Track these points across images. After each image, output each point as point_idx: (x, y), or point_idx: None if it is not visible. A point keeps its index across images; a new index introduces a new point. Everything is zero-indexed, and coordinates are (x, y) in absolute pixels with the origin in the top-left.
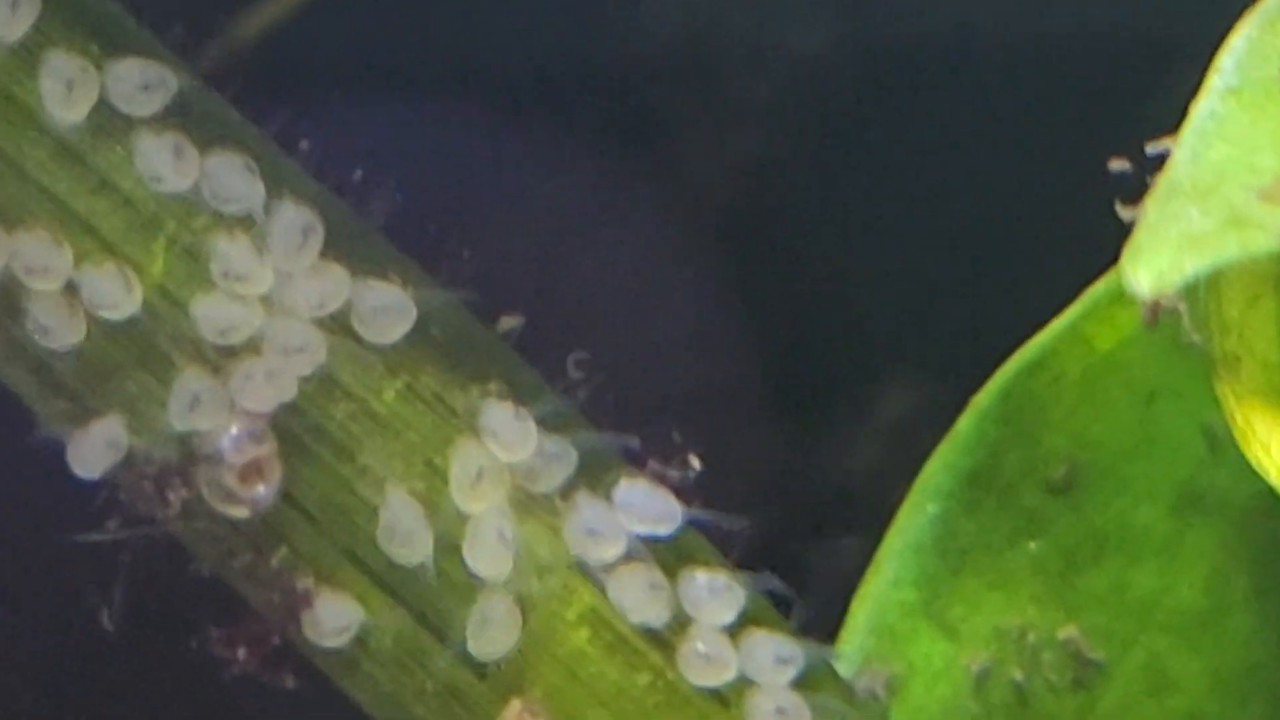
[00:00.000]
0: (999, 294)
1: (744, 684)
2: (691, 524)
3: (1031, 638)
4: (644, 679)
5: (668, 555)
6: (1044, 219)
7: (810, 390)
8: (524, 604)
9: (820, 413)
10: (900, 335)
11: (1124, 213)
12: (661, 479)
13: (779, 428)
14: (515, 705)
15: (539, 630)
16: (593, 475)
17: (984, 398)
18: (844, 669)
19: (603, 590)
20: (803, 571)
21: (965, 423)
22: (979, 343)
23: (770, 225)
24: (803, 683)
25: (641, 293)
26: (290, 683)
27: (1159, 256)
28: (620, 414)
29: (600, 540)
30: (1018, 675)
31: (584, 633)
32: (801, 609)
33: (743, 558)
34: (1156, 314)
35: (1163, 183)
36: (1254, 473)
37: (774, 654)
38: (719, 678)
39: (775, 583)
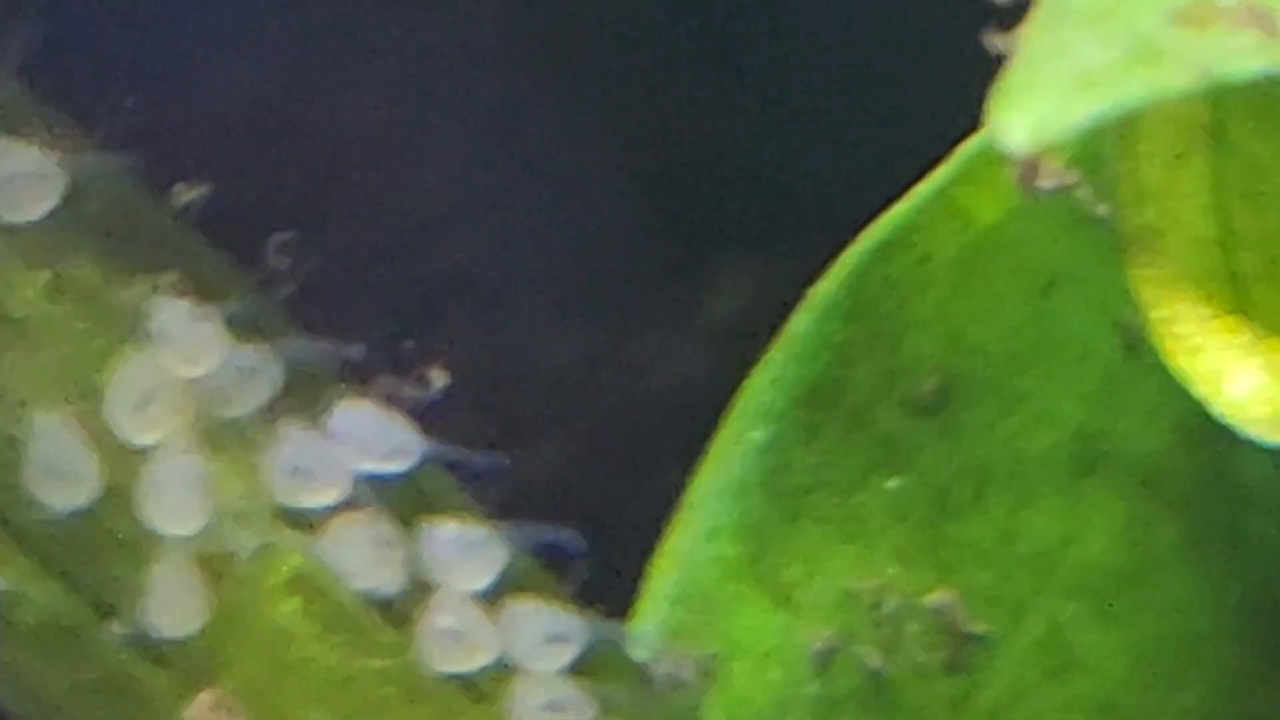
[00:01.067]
0: (851, 153)
1: (505, 670)
2: (434, 460)
3: (891, 605)
4: (372, 664)
5: (402, 501)
6: (909, 57)
7: (615, 277)
8: (214, 567)
9: (626, 308)
10: (728, 205)
11: (996, 43)
12: (394, 401)
13: (568, 328)
14: (203, 701)
15: (234, 601)
16: (302, 396)
17: (827, 288)
18: (641, 650)
19: (317, 547)
20: (591, 522)
21: (802, 321)
22: (825, 217)
23: (554, 53)
24: (584, 668)
25: (378, 146)
26: None
27: (1039, 99)
28: (338, 314)
29: (312, 482)
30: (873, 655)
31: (292, 604)
32: (586, 571)
33: (506, 503)
34: (1035, 176)
35: (1045, 3)
36: (1180, 386)
37: (544, 630)
38: (470, 661)
39: (550, 536)
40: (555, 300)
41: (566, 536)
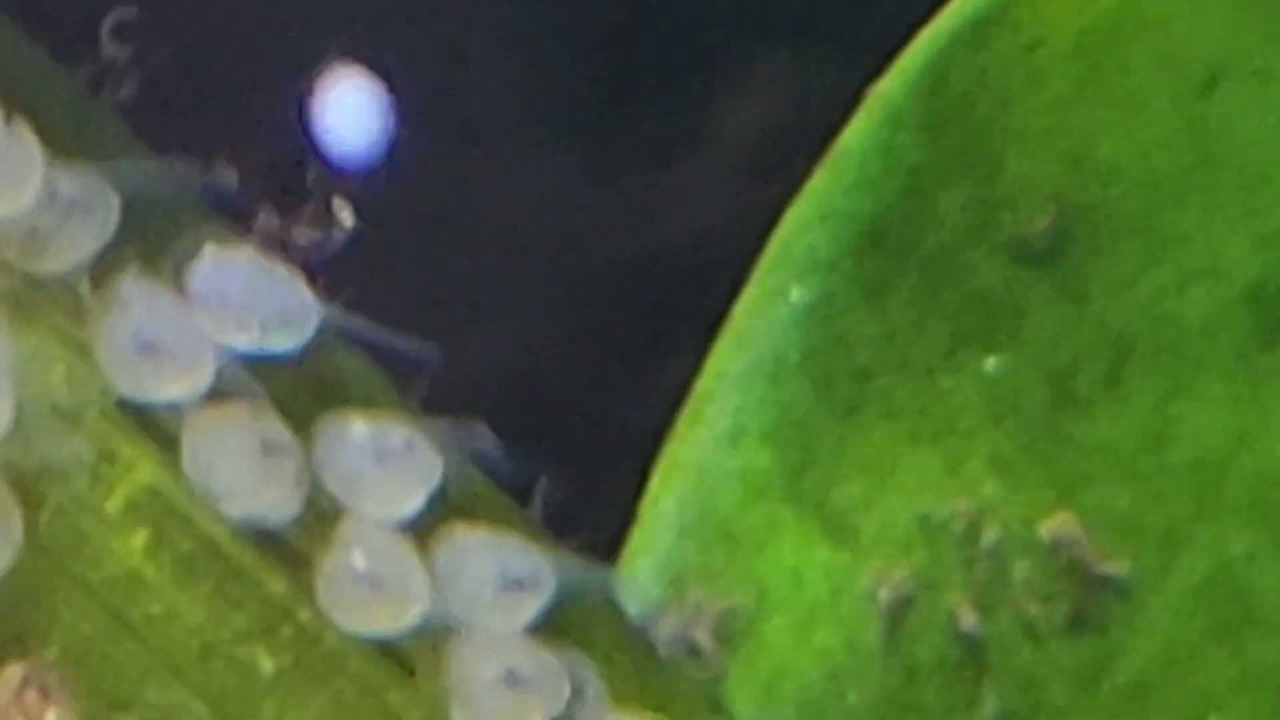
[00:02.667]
0: None
1: (443, 630)
2: (341, 336)
3: (991, 537)
4: (251, 624)
5: (295, 390)
6: None
7: (598, 86)
8: (25, 487)
9: (614, 129)
10: None
11: None
12: (283, 248)
13: (540, 156)
14: (13, 674)
15: (56, 536)
16: (152, 241)
17: (893, 88)
18: (635, 602)
19: (173, 456)
20: (565, 422)
21: (858, 135)
22: None
23: None
24: (555, 627)
25: None
26: None
27: None
28: (200, 126)
29: (166, 364)
30: (966, 609)
31: (139, 538)
32: (558, 491)
33: (445, 399)
34: None
35: None
36: None
37: (499, 573)
38: (394, 618)
39: (506, 443)
40: (522, 119)
41: (530, 442)
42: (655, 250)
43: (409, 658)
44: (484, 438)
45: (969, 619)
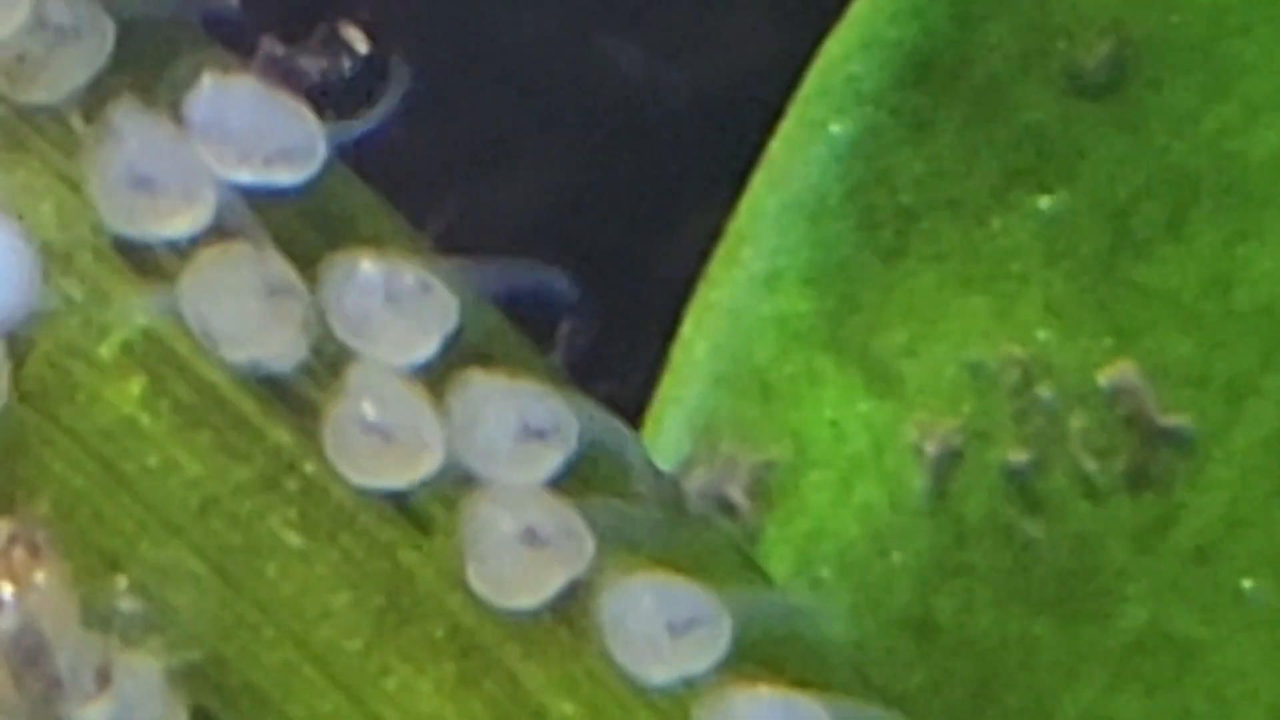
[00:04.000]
0: None
1: (458, 482)
2: (351, 168)
3: (1045, 388)
4: (254, 476)
5: (300, 228)
6: None
7: None
8: (13, 331)
9: None
10: None
11: None
12: (288, 77)
13: None
14: None
15: (45, 384)
16: (148, 69)
17: None
18: (664, 455)
19: (172, 294)
20: (590, 264)
21: None
22: None
23: None
24: (578, 480)
25: None
26: None
27: None
28: None
29: (161, 195)
30: (1019, 463)
31: (135, 385)
32: (582, 336)
33: (462, 237)
34: None
35: None
36: None
37: (518, 422)
38: (406, 469)
39: (530, 282)
40: None
41: (554, 283)
42: (690, 87)
43: (422, 514)
44: (505, 278)
45: (1022, 472)
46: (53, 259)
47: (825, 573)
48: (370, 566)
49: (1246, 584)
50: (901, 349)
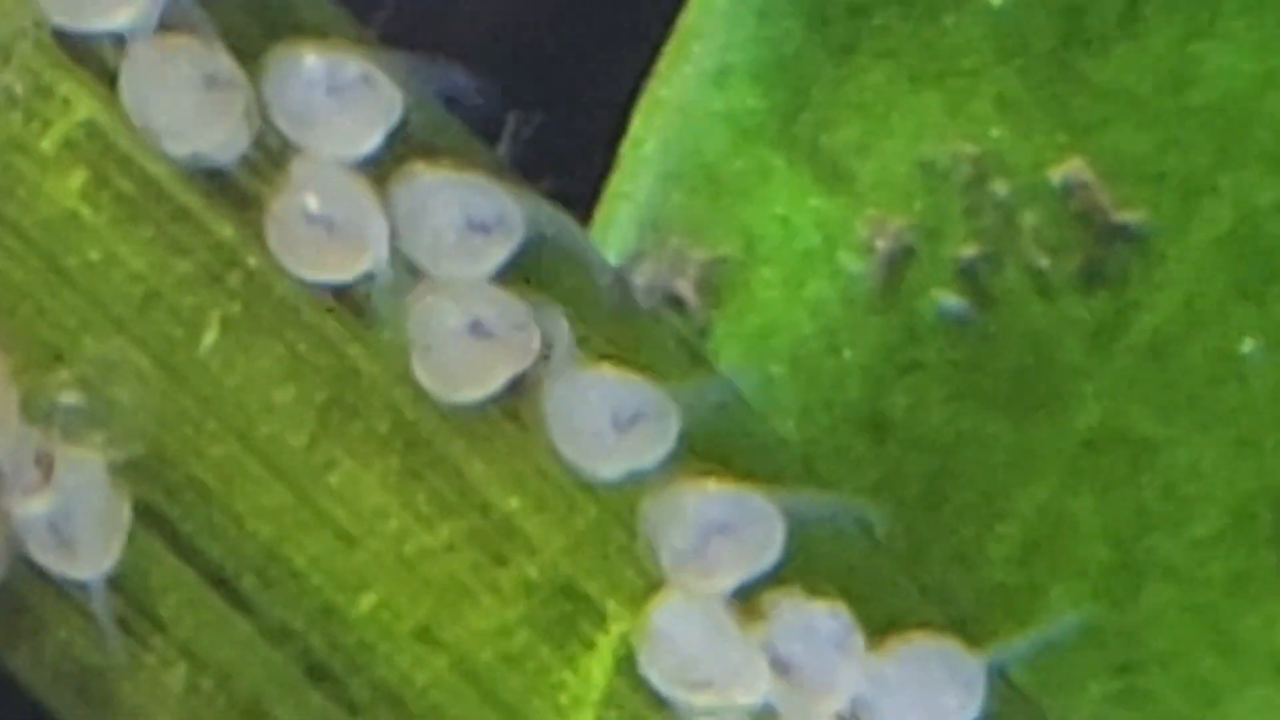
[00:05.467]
0: None
1: (403, 277)
2: None
3: (998, 184)
4: (196, 268)
5: (243, 21)
6: None
7: None
8: None
9: None
10: None
11: None
12: None
13: None
14: None
15: None
16: None
17: None
18: (612, 250)
19: (113, 91)
20: (536, 56)
21: None
22: None
23: None
24: (524, 273)
25: None
26: None
27: None
28: None
29: None
30: (970, 259)
31: (76, 178)
32: (528, 128)
33: (408, 31)
34: None
35: None
36: None
37: (462, 215)
38: (349, 262)
39: (473, 78)
40: None
41: (502, 79)
42: None
43: (367, 308)
44: (449, 71)
45: (972, 269)
46: None
47: (776, 369)
48: (314, 361)
49: (1201, 382)
50: (852, 145)
